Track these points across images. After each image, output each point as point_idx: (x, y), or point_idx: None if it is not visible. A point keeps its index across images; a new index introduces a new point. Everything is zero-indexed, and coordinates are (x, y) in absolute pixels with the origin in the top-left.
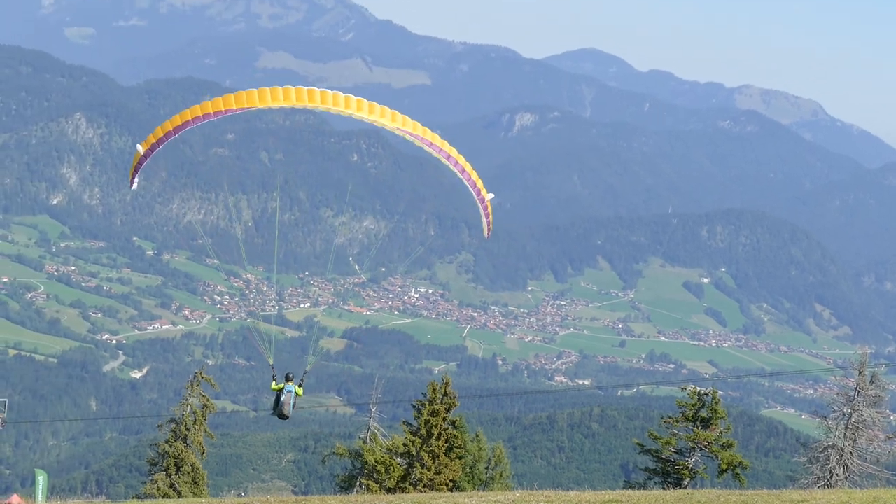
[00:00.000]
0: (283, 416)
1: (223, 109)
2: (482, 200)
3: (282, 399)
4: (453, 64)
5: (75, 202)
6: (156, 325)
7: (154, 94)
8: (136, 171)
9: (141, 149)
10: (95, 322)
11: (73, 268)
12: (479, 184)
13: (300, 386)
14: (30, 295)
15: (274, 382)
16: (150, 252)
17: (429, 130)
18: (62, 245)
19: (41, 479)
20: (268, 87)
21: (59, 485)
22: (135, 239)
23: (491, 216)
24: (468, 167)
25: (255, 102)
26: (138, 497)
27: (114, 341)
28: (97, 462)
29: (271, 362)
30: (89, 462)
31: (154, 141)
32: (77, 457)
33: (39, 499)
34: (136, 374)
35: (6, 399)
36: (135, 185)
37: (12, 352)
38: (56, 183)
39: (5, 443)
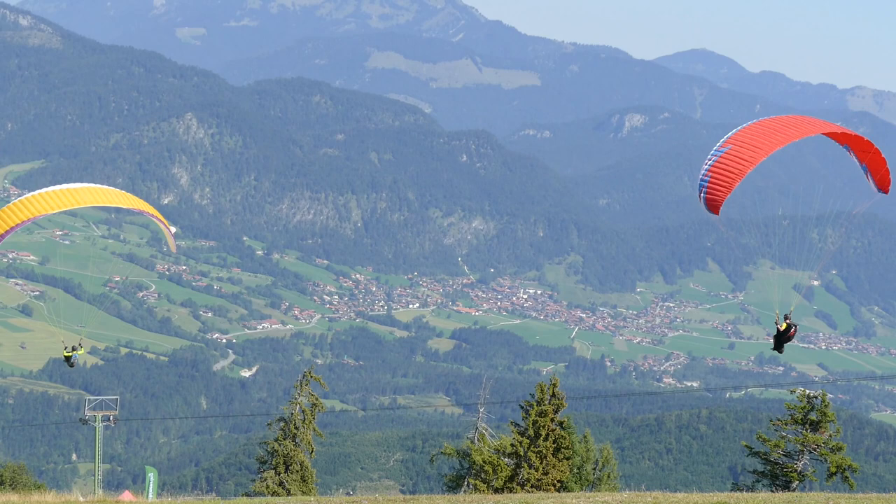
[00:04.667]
0: (71, 366)
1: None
2: (170, 231)
3: (72, 360)
4: (563, 64)
5: (186, 202)
6: (265, 325)
7: (264, 95)
8: None
9: None
10: (206, 321)
11: (184, 267)
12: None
13: (82, 348)
14: (141, 294)
15: (66, 350)
16: (259, 252)
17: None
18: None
19: (151, 476)
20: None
21: (169, 482)
22: (245, 239)
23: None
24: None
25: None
26: (248, 495)
27: (224, 340)
28: (207, 460)
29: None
30: (199, 460)
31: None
32: (187, 454)
33: (150, 496)
34: (246, 373)
35: (118, 396)
36: None
37: (124, 350)
38: (167, 183)
39: (117, 440)
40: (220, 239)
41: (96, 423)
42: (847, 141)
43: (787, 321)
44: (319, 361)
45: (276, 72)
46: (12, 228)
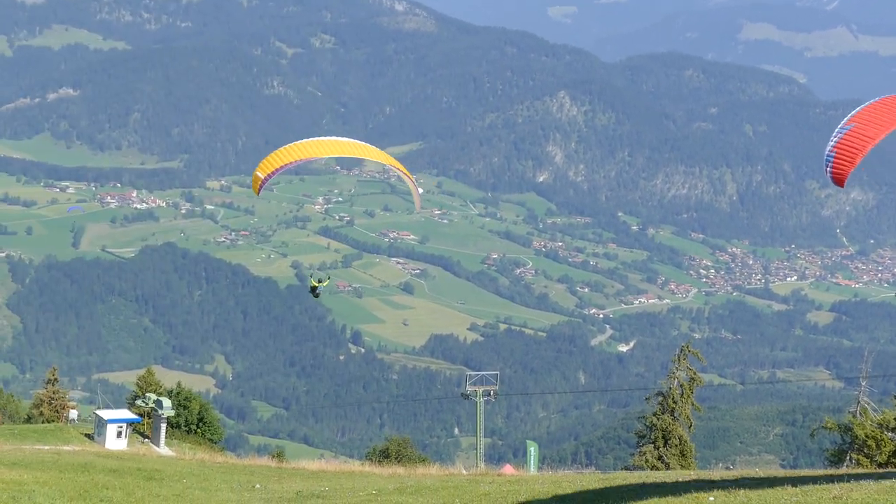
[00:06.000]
0: (316, 296)
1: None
2: (417, 189)
3: (317, 291)
4: None
5: (561, 179)
6: (642, 300)
7: (636, 70)
8: (260, 188)
9: (261, 175)
10: (582, 297)
11: (559, 243)
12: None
13: (329, 280)
14: (518, 270)
15: (312, 280)
16: (634, 227)
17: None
18: (549, 221)
19: (532, 450)
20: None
21: (549, 455)
22: (619, 214)
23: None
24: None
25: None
26: (627, 469)
27: (601, 315)
28: (586, 434)
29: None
30: (578, 434)
31: (270, 171)
32: (566, 428)
33: (532, 469)
34: (623, 348)
35: (497, 372)
36: (260, 194)
37: (503, 326)
38: (542, 161)
39: (497, 414)
40: (594, 215)
41: (477, 398)
42: None
43: None
44: (697, 335)
45: (647, 47)
46: (273, 173)
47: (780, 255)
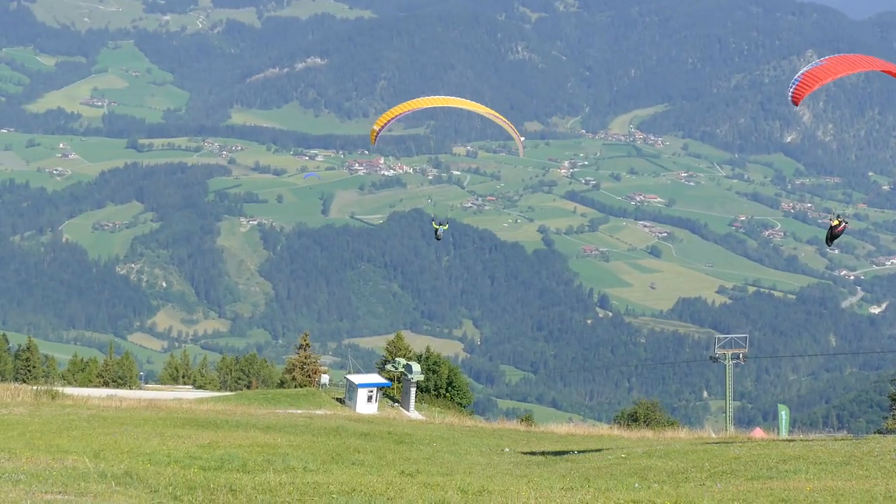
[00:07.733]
0: (438, 238)
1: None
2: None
3: (438, 233)
4: None
5: (809, 139)
6: (894, 261)
7: (886, 27)
8: (374, 139)
9: (376, 128)
10: (833, 258)
11: (808, 204)
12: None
13: (446, 224)
14: (767, 232)
15: (434, 223)
16: (885, 187)
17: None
18: (797, 182)
19: (783, 413)
20: None
21: (800, 419)
22: (870, 174)
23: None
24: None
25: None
26: (880, 432)
27: (851, 277)
28: (837, 397)
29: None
30: (829, 397)
31: (383, 124)
32: (817, 391)
33: (783, 433)
34: (875, 310)
35: (747, 335)
36: (374, 145)
37: (751, 288)
38: (789, 121)
39: (747, 377)
40: (844, 175)
41: (726, 361)
42: None
43: (839, 218)
44: None
45: None
46: (384, 125)
47: None
